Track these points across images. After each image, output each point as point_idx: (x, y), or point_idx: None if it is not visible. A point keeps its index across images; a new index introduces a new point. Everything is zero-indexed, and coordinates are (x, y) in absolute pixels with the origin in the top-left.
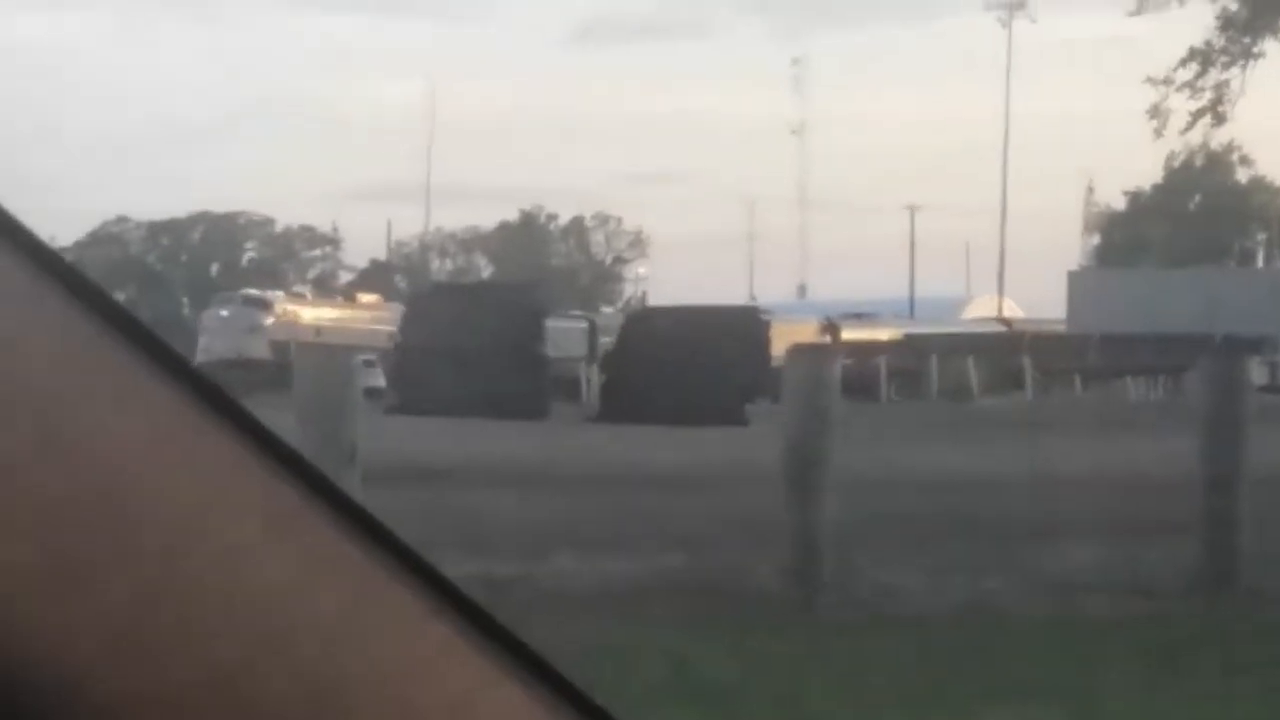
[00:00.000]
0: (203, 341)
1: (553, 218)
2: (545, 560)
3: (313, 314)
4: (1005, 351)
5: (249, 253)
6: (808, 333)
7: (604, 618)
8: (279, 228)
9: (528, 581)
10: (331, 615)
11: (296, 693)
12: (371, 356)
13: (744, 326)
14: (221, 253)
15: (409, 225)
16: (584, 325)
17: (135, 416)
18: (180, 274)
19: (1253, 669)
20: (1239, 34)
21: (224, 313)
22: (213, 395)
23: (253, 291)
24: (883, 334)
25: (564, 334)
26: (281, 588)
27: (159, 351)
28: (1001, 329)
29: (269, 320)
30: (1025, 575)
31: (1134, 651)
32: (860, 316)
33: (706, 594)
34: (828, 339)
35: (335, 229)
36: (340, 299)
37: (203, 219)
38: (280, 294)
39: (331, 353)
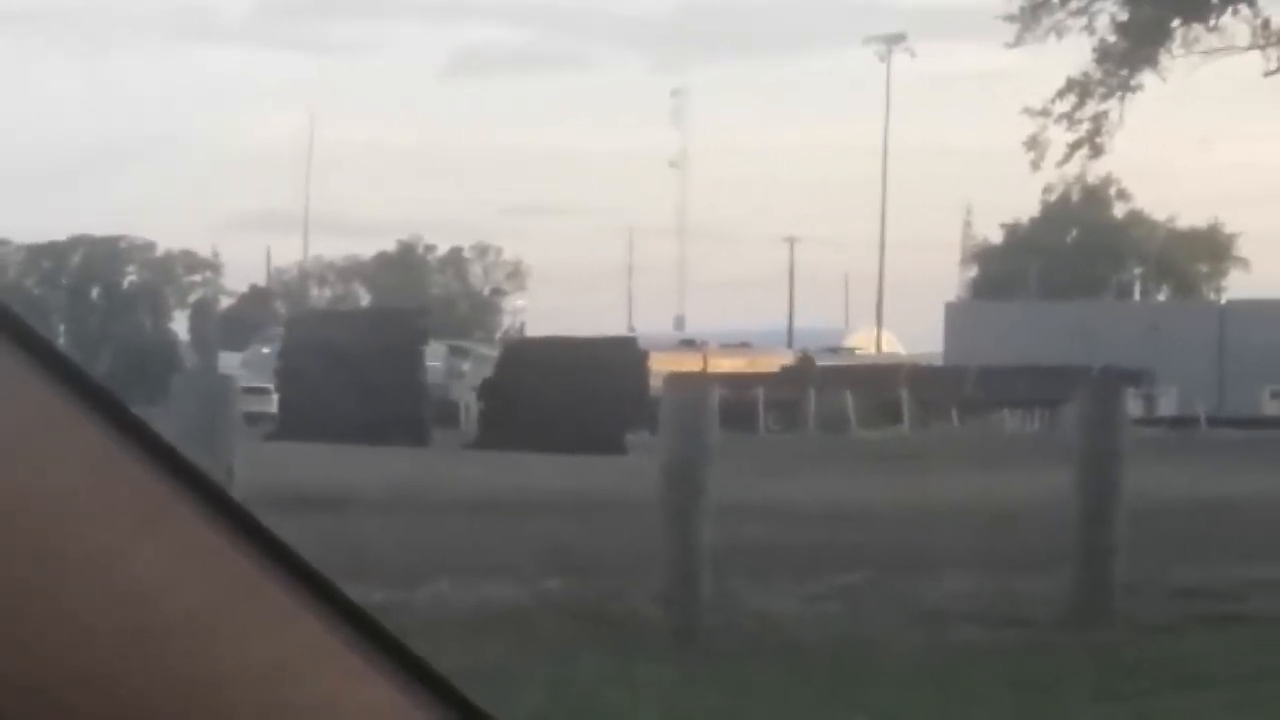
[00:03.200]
0: (245, 374)
1: (431, 248)
2: (424, 585)
3: None
4: (883, 383)
5: (130, 276)
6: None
7: (483, 642)
8: (159, 252)
9: (406, 606)
10: (203, 611)
11: (168, 689)
12: (263, 384)
13: (622, 357)
14: (102, 276)
15: (289, 254)
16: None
17: (5, 412)
18: (60, 297)
19: (1127, 699)
20: (1116, 66)
21: (265, 350)
22: (85, 388)
23: None
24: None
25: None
26: (153, 584)
27: (31, 345)
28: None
29: None
30: (901, 605)
31: (1009, 682)
32: (836, 350)
33: (586, 619)
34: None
35: (216, 254)
36: None
37: (82, 242)
38: None
39: (209, 378)
